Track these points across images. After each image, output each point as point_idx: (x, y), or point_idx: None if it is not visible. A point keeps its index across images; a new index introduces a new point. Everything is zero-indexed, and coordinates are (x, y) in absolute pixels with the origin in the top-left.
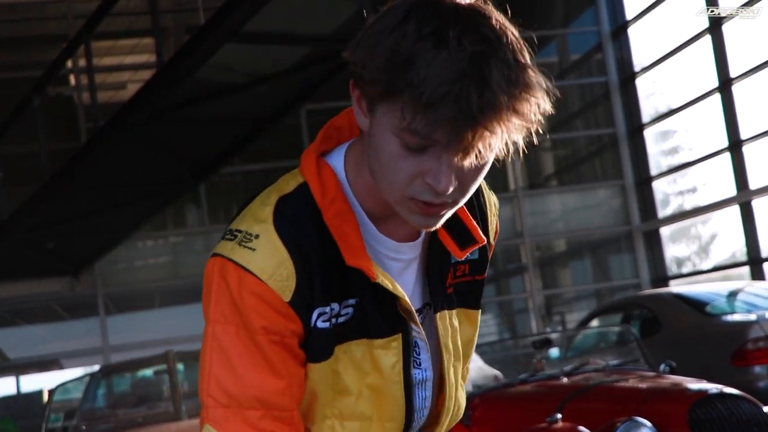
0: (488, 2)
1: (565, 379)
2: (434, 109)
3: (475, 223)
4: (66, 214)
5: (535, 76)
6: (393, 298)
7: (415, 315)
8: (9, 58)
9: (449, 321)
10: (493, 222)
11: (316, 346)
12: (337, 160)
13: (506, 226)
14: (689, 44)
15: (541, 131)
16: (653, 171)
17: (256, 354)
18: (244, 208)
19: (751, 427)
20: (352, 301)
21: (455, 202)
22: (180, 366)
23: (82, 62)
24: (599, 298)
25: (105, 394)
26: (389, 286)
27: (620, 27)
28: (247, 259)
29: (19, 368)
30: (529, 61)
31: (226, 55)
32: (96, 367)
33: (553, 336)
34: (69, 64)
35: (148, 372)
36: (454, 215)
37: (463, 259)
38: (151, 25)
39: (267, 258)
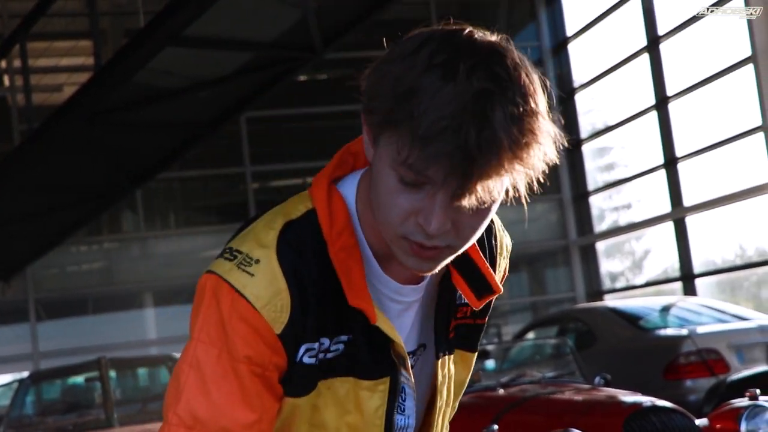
0: (510, 42)
1: (501, 391)
2: (430, 144)
3: (492, 272)
4: None
5: (545, 124)
6: (387, 341)
7: (408, 361)
8: None
9: (447, 368)
10: (501, 264)
11: (298, 382)
12: (349, 189)
13: None
14: (627, 62)
15: (542, 180)
16: (590, 186)
17: (234, 382)
18: (246, 225)
19: None
20: (344, 338)
21: (451, 248)
22: (112, 373)
23: (16, 63)
24: (535, 310)
25: (34, 401)
26: (388, 331)
27: (560, 43)
28: (243, 283)
29: None
30: (542, 108)
31: (166, 59)
32: (25, 374)
33: (490, 348)
34: (3, 64)
35: (79, 379)
36: (471, 262)
37: (479, 309)
38: (90, 27)
39: (264, 286)
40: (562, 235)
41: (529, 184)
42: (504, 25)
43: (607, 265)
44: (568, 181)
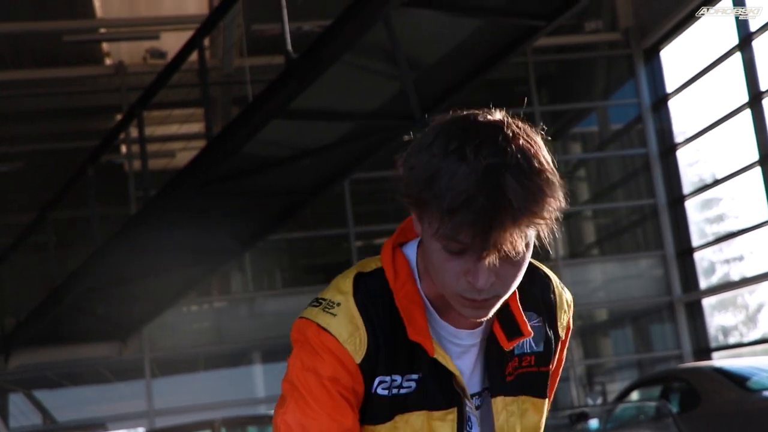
0: (512, 116)
1: None
2: (455, 216)
3: (524, 317)
4: (116, 279)
5: (550, 177)
6: (450, 375)
7: (467, 391)
8: (63, 128)
9: (505, 406)
10: (563, 318)
11: (375, 411)
12: (411, 252)
13: None
14: (730, 117)
15: (559, 224)
16: (696, 240)
17: (326, 396)
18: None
19: None
20: (414, 377)
21: (498, 296)
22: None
23: (133, 132)
24: (641, 368)
25: None
26: (444, 362)
27: (660, 99)
28: (327, 322)
29: (66, 431)
30: (546, 164)
31: (273, 131)
32: (140, 430)
33: (590, 409)
34: (122, 134)
35: None
36: (508, 309)
37: (509, 349)
38: (201, 96)
39: (345, 323)
40: (667, 291)
41: (551, 229)
42: (603, 84)
43: (719, 319)
44: (671, 237)
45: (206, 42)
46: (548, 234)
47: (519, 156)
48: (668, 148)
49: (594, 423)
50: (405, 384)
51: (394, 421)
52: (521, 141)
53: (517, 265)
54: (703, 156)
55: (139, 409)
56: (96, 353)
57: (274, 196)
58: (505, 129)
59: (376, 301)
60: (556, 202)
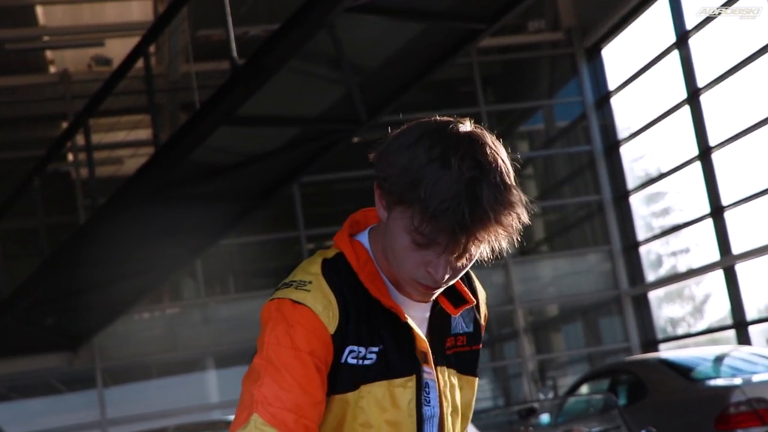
0: (484, 129)
1: None
2: (437, 220)
3: (466, 288)
4: (66, 290)
5: (518, 195)
6: (411, 342)
7: (430, 356)
8: (7, 137)
9: (447, 376)
10: (483, 308)
11: (344, 380)
12: (363, 240)
13: (498, 293)
14: (669, 114)
15: (519, 239)
16: (642, 234)
17: (302, 369)
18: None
19: None
20: (375, 349)
21: (448, 284)
22: None
23: (80, 140)
24: (591, 361)
25: None
26: (414, 327)
27: (603, 97)
28: (302, 296)
29: None
30: (513, 181)
31: (220, 137)
32: None
33: (539, 404)
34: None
35: None
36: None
37: (457, 319)
38: (147, 103)
39: (319, 298)
40: (614, 285)
41: (510, 241)
42: (547, 82)
43: (667, 311)
44: (617, 232)
45: (152, 48)
46: (508, 242)
47: (495, 170)
48: (612, 144)
49: (545, 417)
50: (368, 355)
51: (359, 391)
52: (496, 156)
53: (471, 261)
54: (646, 151)
55: (91, 419)
56: (46, 364)
57: (224, 201)
58: (482, 142)
59: (342, 278)
60: (523, 216)
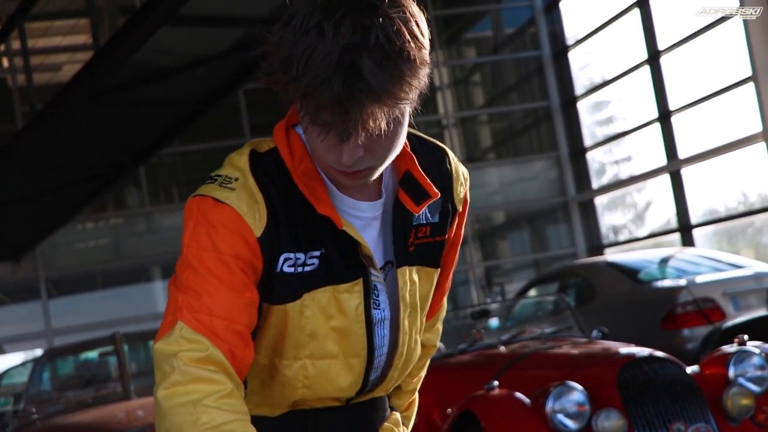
0: None
1: (502, 348)
2: (313, 97)
3: (429, 181)
4: (5, 198)
5: (412, 55)
6: (355, 246)
7: (375, 260)
8: None
9: (409, 276)
10: (460, 191)
11: (283, 290)
12: (301, 132)
13: None
14: (618, 18)
15: (420, 105)
16: (588, 142)
17: (225, 272)
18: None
19: (674, 386)
20: (316, 253)
21: (373, 167)
22: (125, 347)
23: (16, 44)
24: (538, 267)
25: (51, 378)
26: (352, 233)
27: (552, 1)
28: (226, 195)
29: None
30: (409, 39)
31: (163, 39)
32: (38, 351)
33: (492, 307)
34: (2, 47)
35: (92, 354)
36: (410, 176)
37: (419, 213)
38: (86, 6)
39: (245, 197)
40: (561, 191)
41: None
42: None
43: (609, 218)
44: (564, 139)
45: None
46: (411, 111)
47: (381, 33)
48: (560, 50)
49: (494, 321)
50: (309, 261)
51: (302, 299)
52: (388, 14)
53: (390, 138)
54: (593, 59)
55: (36, 330)
56: None
57: (167, 106)
58: (371, 2)
59: (273, 179)
60: (417, 81)
